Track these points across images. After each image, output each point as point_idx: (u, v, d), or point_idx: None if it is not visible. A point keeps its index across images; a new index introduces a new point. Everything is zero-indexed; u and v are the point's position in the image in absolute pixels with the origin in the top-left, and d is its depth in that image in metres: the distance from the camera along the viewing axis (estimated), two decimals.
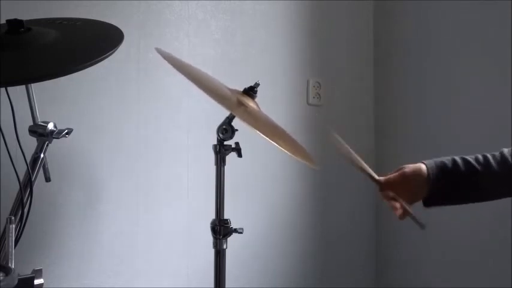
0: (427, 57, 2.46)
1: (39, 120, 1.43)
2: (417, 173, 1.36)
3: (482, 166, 1.34)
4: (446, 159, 1.37)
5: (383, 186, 1.38)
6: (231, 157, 1.58)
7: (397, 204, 1.34)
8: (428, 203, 1.37)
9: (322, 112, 2.46)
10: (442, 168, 1.35)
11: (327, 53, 2.51)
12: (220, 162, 1.56)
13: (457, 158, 1.37)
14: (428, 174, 1.35)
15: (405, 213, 1.34)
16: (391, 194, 1.36)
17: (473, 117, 2.26)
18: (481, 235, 2.21)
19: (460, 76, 2.33)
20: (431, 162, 1.37)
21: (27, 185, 1.36)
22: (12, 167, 1.35)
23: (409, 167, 1.37)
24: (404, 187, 1.36)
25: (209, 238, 1.56)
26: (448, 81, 2.37)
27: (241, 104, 1.51)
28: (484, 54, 2.25)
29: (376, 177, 1.39)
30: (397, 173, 1.38)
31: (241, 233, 1.55)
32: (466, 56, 2.31)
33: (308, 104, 2.42)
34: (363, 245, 2.59)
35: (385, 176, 1.39)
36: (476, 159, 1.35)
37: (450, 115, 2.35)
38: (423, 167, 1.36)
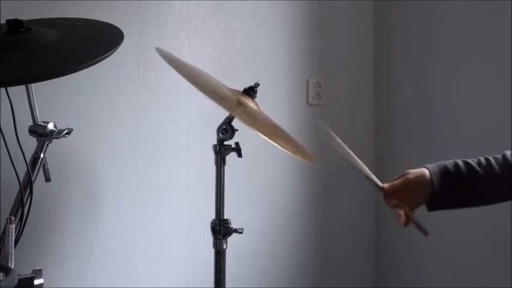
0: (427, 57, 2.46)
1: (39, 120, 1.43)
2: (420, 179, 1.35)
3: (484, 169, 1.33)
4: (449, 162, 1.37)
5: (387, 193, 1.37)
6: (231, 157, 1.58)
7: (401, 212, 1.34)
8: (431, 207, 1.36)
9: (322, 112, 2.46)
10: (444, 173, 1.35)
11: (327, 53, 2.51)
12: (220, 162, 1.56)
13: (459, 162, 1.36)
14: (431, 179, 1.34)
15: (409, 220, 1.34)
16: (395, 201, 1.36)
17: (473, 117, 2.26)
18: (481, 235, 2.20)
19: (460, 76, 2.32)
20: (433, 166, 1.36)
21: (27, 185, 1.36)
22: (12, 167, 1.35)
23: (412, 173, 1.37)
24: (408, 193, 1.35)
25: (209, 238, 1.56)
26: (448, 81, 2.37)
27: (241, 104, 1.51)
28: (484, 54, 2.25)
29: (380, 184, 1.39)
30: (400, 180, 1.37)
31: (241, 233, 1.55)
32: (466, 55, 2.31)
33: (308, 104, 2.42)
34: (362, 245, 2.59)
35: (389, 182, 1.39)
36: (479, 163, 1.34)
37: (450, 115, 2.35)
38: (426, 172, 1.35)
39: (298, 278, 2.36)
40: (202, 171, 1.98)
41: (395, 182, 1.38)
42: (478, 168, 1.33)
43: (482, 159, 1.35)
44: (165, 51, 1.54)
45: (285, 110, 2.33)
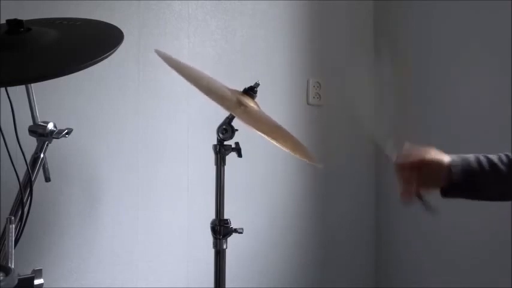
0: (427, 57, 2.46)
1: (39, 120, 1.43)
2: (437, 164, 1.34)
3: (507, 167, 1.32)
4: (470, 157, 1.36)
5: (400, 167, 1.36)
6: (231, 157, 1.58)
7: (409, 188, 1.33)
8: (447, 195, 1.35)
9: (322, 112, 2.46)
10: (466, 167, 1.34)
11: (327, 53, 2.51)
12: (220, 162, 1.56)
13: (481, 157, 1.35)
14: (450, 170, 1.33)
15: (418, 196, 1.33)
16: (408, 174, 1.34)
17: (473, 117, 2.26)
18: (481, 235, 2.20)
19: (460, 76, 2.32)
20: (456, 159, 1.35)
21: (27, 185, 1.36)
22: (12, 167, 1.35)
23: (431, 156, 1.35)
24: (420, 173, 1.34)
25: (209, 238, 1.56)
26: (448, 81, 2.37)
27: (241, 104, 1.51)
28: (484, 54, 2.25)
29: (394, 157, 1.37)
30: (416, 158, 1.36)
31: (241, 233, 1.55)
32: (466, 55, 2.31)
33: (308, 104, 2.42)
34: (362, 245, 2.59)
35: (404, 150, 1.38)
36: (500, 159, 1.34)
37: (450, 115, 2.35)
38: (445, 160, 1.34)
39: (298, 278, 2.36)
40: (202, 171, 1.98)
41: (410, 159, 1.36)
42: (500, 165, 1.32)
43: (503, 156, 1.34)
44: (164, 52, 1.54)
45: (285, 110, 2.33)
